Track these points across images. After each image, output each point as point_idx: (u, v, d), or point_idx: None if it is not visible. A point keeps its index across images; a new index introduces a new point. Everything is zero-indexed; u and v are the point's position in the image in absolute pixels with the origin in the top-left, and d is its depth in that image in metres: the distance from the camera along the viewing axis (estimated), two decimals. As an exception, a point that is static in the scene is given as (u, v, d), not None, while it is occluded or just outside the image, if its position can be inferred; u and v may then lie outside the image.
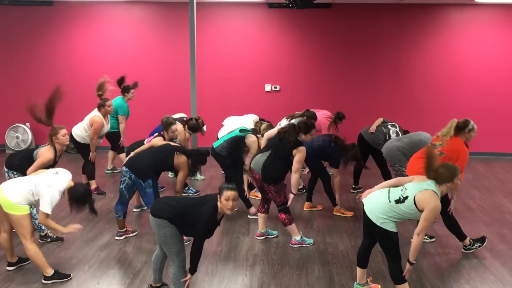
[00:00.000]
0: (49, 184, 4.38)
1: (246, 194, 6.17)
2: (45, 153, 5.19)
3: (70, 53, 9.83)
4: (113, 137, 7.57)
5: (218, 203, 3.79)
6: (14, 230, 4.61)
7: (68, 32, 9.77)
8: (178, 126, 6.76)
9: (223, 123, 7.58)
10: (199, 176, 7.96)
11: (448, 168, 3.90)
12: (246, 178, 6.07)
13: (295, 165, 5.15)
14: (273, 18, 9.75)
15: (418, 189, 3.84)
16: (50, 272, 4.47)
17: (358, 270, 4.34)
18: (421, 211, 3.79)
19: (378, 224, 3.89)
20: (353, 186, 7.47)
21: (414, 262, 3.90)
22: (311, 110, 7.27)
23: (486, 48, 9.63)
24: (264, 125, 6.61)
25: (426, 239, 5.53)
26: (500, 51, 9.62)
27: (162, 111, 7.61)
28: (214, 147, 6.26)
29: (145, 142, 6.05)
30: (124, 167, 5.28)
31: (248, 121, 7.18)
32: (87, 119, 6.88)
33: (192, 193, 7.09)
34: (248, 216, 6.26)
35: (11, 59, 9.87)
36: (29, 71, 9.88)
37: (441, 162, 4.09)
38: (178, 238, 3.88)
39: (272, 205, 5.50)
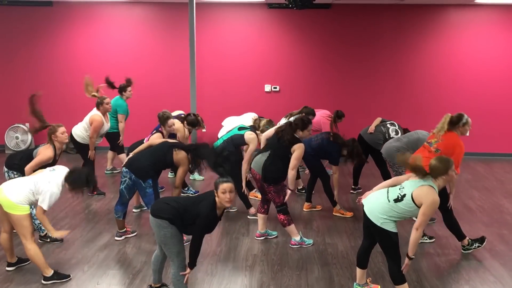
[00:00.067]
0: (48, 180, 4.40)
1: (244, 190, 6.13)
2: (44, 151, 5.19)
3: (70, 53, 9.83)
4: (113, 137, 7.57)
5: (216, 198, 3.80)
6: (14, 231, 4.61)
7: (68, 33, 9.78)
8: (177, 124, 6.77)
9: (223, 123, 7.58)
10: (198, 177, 7.97)
11: (442, 161, 3.92)
12: (244, 173, 6.04)
13: (293, 161, 5.14)
14: (273, 19, 9.76)
15: (415, 185, 3.85)
16: (49, 272, 4.47)
17: (358, 270, 4.34)
18: (419, 207, 3.80)
19: (378, 224, 3.90)
20: (353, 186, 7.47)
21: (413, 257, 3.90)
22: (308, 106, 7.28)
23: (486, 48, 9.63)
24: (263, 121, 6.55)
25: (426, 239, 5.54)
26: (499, 52, 9.62)
27: (161, 112, 7.61)
28: (214, 147, 6.25)
29: (144, 141, 6.06)
30: (124, 168, 5.28)
31: (247, 119, 7.18)
32: (86, 119, 6.88)
33: (191, 194, 7.09)
34: (248, 217, 6.26)
35: (10, 59, 9.88)
36: (28, 71, 9.88)
37: (435, 157, 4.11)
38: (178, 239, 3.88)
39: (272, 206, 5.50)
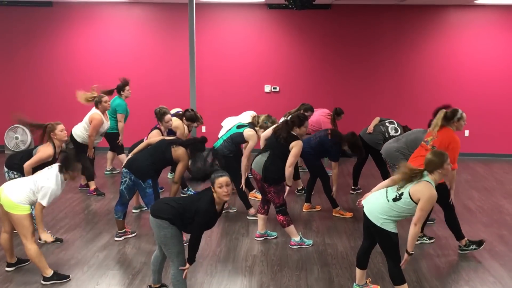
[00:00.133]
0: (46, 177, 4.43)
1: (243, 187, 6.13)
2: (44, 148, 5.19)
3: (70, 54, 9.83)
4: (113, 137, 7.56)
5: (214, 194, 3.81)
6: (14, 231, 4.61)
7: (68, 33, 9.77)
8: (177, 121, 6.78)
9: (222, 123, 7.58)
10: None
11: (436, 155, 3.94)
12: (244, 169, 6.04)
13: (290, 158, 5.12)
14: (273, 19, 9.76)
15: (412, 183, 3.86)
16: (49, 273, 4.47)
17: (358, 271, 4.34)
18: (417, 203, 3.80)
19: (378, 224, 3.90)
20: (353, 187, 7.47)
21: (413, 252, 3.90)
22: (306, 103, 7.29)
23: (485, 49, 9.64)
24: (262, 117, 6.49)
25: (426, 240, 5.54)
26: (499, 52, 9.63)
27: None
28: (214, 147, 6.26)
29: (144, 140, 6.05)
30: (124, 168, 5.28)
31: (245, 117, 7.18)
32: (86, 118, 6.88)
33: (192, 194, 7.09)
34: (248, 217, 6.26)
35: (10, 60, 9.87)
36: (28, 71, 9.87)
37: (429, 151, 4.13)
38: (178, 239, 3.88)
39: (272, 207, 5.50)
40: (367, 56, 9.77)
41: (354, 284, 4.41)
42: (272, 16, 9.74)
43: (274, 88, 9.92)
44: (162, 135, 6.20)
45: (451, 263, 5.08)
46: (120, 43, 9.80)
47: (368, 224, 4.01)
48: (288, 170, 5.14)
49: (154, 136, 6.00)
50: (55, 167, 4.54)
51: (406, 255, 3.89)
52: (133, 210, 6.41)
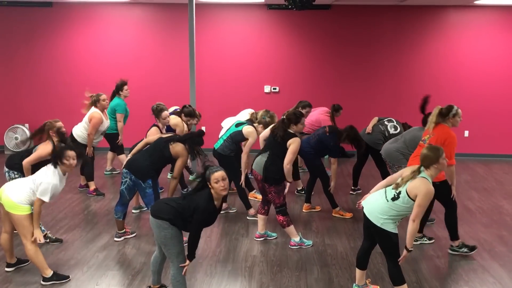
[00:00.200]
0: (44, 174, 4.43)
1: (242, 183, 6.12)
2: (43, 146, 5.17)
3: (69, 54, 9.83)
4: (113, 138, 7.55)
5: (211, 190, 3.80)
6: (15, 231, 4.62)
7: (67, 33, 9.77)
8: (175, 119, 6.78)
9: (222, 124, 7.58)
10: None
11: (432, 150, 3.95)
12: (244, 165, 6.03)
13: (288, 155, 5.10)
14: (272, 20, 9.76)
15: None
16: (49, 273, 4.47)
17: (358, 271, 4.34)
18: (415, 200, 3.81)
19: (379, 225, 3.90)
20: (352, 187, 7.47)
21: (411, 249, 3.90)
22: (304, 100, 7.30)
23: (485, 49, 9.64)
24: (260, 112, 6.45)
25: (425, 240, 5.54)
26: (499, 53, 9.63)
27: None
28: (215, 148, 6.26)
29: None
30: (124, 169, 5.28)
31: (243, 115, 7.18)
32: (86, 118, 6.88)
33: (190, 191, 7.08)
34: (247, 218, 6.26)
35: (10, 60, 9.86)
36: (28, 72, 9.87)
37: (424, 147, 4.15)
38: (178, 240, 3.88)
39: (272, 207, 5.50)
40: (367, 57, 9.77)
41: (354, 284, 4.41)
42: (272, 17, 9.74)
43: (274, 89, 9.92)
44: (161, 132, 6.21)
45: (451, 264, 5.08)
46: (120, 44, 9.79)
47: (368, 225, 4.01)
48: (286, 168, 5.13)
49: (153, 134, 6.01)
50: (51, 164, 4.55)
51: (405, 251, 3.89)
52: (133, 211, 6.41)
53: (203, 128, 7.12)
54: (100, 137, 7.06)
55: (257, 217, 5.68)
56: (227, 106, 9.60)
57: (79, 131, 6.90)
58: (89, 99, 6.97)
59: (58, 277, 4.52)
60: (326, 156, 6.98)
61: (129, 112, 7.76)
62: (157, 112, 6.23)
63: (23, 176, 5.00)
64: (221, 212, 6.29)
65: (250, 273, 4.77)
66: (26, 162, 5.04)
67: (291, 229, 5.34)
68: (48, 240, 5.39)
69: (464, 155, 9.67)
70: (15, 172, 5.25)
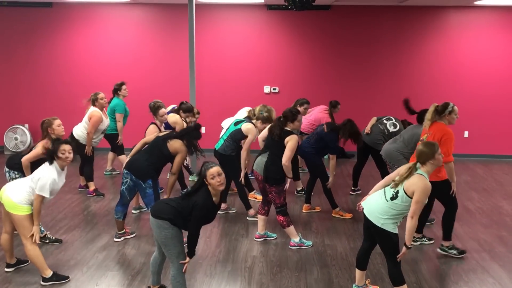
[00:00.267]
0: (42, 170, 4.44)
1: (242, 180, 6.12)
2: (41, 144, 5.17)
3: (69, 54, 9.82)
4: (113, 138, 7.56)
5: (209, 187, 3.80)
6: (15, 231, 4.62)
7: (67, 34, 9.77)
8: (174, 117, 6.78)
9: (222, 125, 7.58)
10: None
11: (427, 145, 3.95)
12: (243, 162, 6.03)
13: (286, 152, 5.07)
14: (272, 20, 9.76)
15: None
16: (48, 273, 4.47)
17: (357, 272, 4.34)
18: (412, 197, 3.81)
19: (379, 225, 3.90)
20: (352, 188, 7.47)
21: (411, 246, 3.90)
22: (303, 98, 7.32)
23: (485, 50, 9.64)
24: (258, 108, 6.38)
25: (425, 241, 5.53)
26: (499, 53, 9.63)
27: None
28: (216, 148, 6.25)
29: None
30: (124, 170, 5.28)
31: (241, 114, 7.17)
32: (85, 118, 6.88)
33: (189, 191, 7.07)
34: (247, 218, 6.26)
35: (10, 61, 9.86)
36: (27, 72, 9.87)
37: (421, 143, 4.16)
38: (178, 240, 3.88)
39: (272, 208, 5.50)
40: (367, 57, 9.77)
41: (354, 285, 4.40)
42: (271, 17, 9.74)
43: (273, 89, 9.92)
44: (159, 129, 6.21)
45: (450, 264, 5.08)
46: (120, 44, 9.79)
47: (369, 225, 4.01)
48: (285, 165, 5.12)
49: (151, 131, 6.01)
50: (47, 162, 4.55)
51: (404, 248, 3.89)
52: (133, 211, 6.41)
53: (203, 129, 7.13)
54: (100, 136, 7.05)
55: (257, 218, 5.68)
56: (227, 106, 9.59)
57: (80, 131, 6.90)
58: (86, 106, 6.99)
59: (58, 277, 4.51)
60: (326, 156, 6.98)
61: (129, 112, 7.76)
62: (155, 109, 6.23)
63: (24, 176, 5.00)
64: (221, 212, 6.33)
65: (250, 274, 4.77)
66: (25, 159, 5.04)
67: (291, 229, 5.34)
68: (47, 241, 5.39)
69: (464, 156, 9.67)
70: (16, 172, 5.25)
